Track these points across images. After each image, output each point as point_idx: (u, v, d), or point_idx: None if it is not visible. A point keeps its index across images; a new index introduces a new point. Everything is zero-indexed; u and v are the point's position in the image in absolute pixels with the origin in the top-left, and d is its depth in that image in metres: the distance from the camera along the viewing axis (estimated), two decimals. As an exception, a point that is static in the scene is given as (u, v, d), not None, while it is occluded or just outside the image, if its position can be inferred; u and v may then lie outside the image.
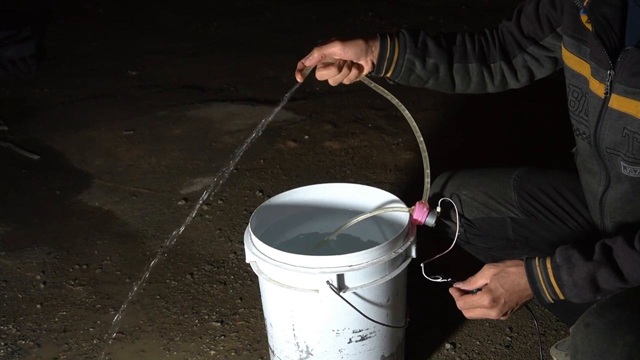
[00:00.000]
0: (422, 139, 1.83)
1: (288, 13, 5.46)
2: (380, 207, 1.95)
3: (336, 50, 1.73)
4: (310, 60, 1.74)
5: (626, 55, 1.54)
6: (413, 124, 1.82)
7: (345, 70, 1.75)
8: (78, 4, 5.69)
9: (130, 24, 5.36)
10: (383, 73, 1.81)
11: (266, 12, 5.50)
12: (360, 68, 1.78)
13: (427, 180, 1.86)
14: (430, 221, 1.84)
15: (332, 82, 1.77)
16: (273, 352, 1.94)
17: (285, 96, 1.79)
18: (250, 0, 5.77)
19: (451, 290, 1.69)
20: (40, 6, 5.55)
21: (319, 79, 1.75)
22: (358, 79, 1.81)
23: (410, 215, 1.83)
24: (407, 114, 1.82)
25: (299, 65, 1.75)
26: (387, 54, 1.78)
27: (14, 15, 5.05)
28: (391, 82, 1.85)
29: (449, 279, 1.71)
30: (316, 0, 5.63)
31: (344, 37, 1.75)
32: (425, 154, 1.83)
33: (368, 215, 1.92)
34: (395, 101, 1.82)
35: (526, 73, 1.87)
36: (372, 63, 1.78)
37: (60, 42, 5.00)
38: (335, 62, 1.75)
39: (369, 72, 1.81)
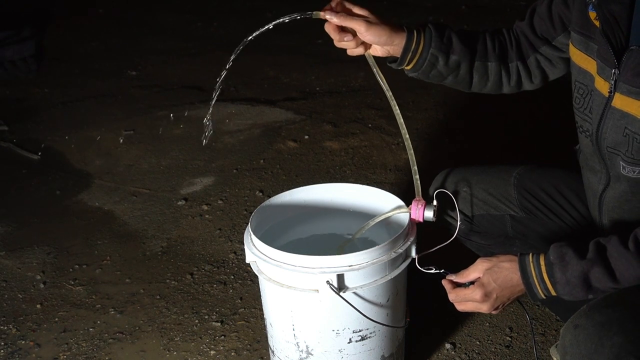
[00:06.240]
0: (406, 132, 1.79)
1: (288, 13, 5.45)
2: (380, 208, 1.95)
3: (361, 29, 1.66)
4: (331, 23, 1.68)
5: (631, 54, 1.54)
6: (397, 110, 1.77)
7: (351, 43, 1.69)
8: (78, 4, 5.69)
9: (130, 24, 5.37)
10: (405, 64, 1.75)
11: (266, 12, 5.50)
12: (368, 46, 1.73)
13: (416, 176, 1.83)
14: (429, 215, 1.82)
15: (336, 44, 1.72)
16: (273, 352, 1.94)
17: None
18: (250, 0, 5.77)
19: (444, 282, 1.70)
20: (40, 6, 5.56)
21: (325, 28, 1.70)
22: (362, 54, 1.74)
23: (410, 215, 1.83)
24: (393, 102, 1.76)
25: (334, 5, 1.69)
26: (412, 46, 1.72)
27: (14, 15, 5.06)
28: (411, 75, 1.80)
29: (442, 270, 1.71)
30: (316, 1, 5.62)
31: (372, 19, 1.67)
32: (408, 143, 1.78)
33: (379, 218, 1.90)
34: (388, 94, 1.76)
35: (539, 74, 1.86)
36: (388, 52, 1.73)
37: (60, 42, 5.00)
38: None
39: (390, 62, 1.76)
